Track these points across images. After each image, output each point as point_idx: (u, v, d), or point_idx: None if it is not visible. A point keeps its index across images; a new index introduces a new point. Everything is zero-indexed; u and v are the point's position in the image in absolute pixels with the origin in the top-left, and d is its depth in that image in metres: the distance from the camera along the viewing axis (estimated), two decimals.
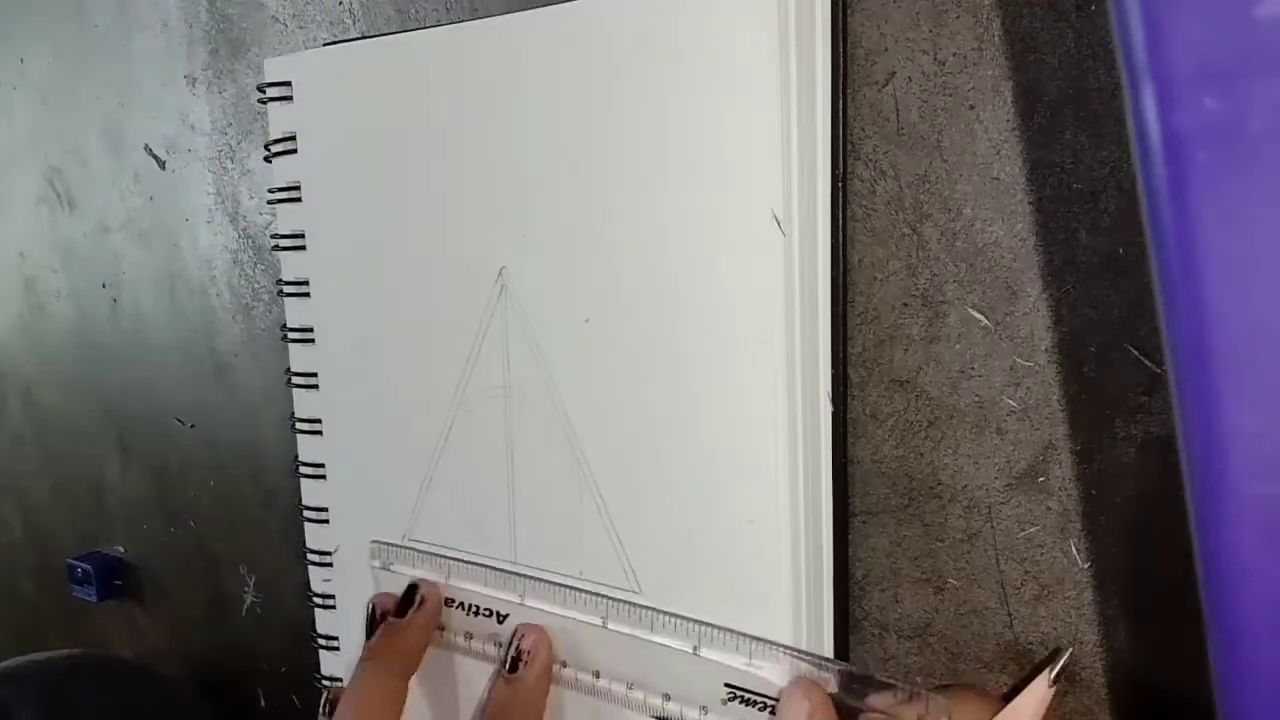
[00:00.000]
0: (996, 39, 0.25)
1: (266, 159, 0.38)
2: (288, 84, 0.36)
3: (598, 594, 0.31)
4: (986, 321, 0.27)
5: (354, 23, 0.39)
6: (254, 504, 0.48)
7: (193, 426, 0.50)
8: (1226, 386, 0.16)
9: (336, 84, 0.35)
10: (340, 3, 0.39)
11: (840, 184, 0.28)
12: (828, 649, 0.29)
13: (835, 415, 0.28)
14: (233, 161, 0.45)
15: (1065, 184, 0.25)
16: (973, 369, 0.27)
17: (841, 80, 0.27)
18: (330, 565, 0.39)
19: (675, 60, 0.28)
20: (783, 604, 0.28)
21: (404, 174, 0.34)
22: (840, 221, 0.28)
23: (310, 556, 0.39)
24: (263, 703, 0.50)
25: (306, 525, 0.39)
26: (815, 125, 0.27)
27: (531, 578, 0.33)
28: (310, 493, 0.39)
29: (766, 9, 0.25)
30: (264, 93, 0.37)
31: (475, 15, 0.35)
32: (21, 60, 0.56)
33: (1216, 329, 0.16)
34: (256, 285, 0.45)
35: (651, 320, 0.29)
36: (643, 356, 0.30)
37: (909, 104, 0.27)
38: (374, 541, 0.37)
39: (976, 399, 0.27)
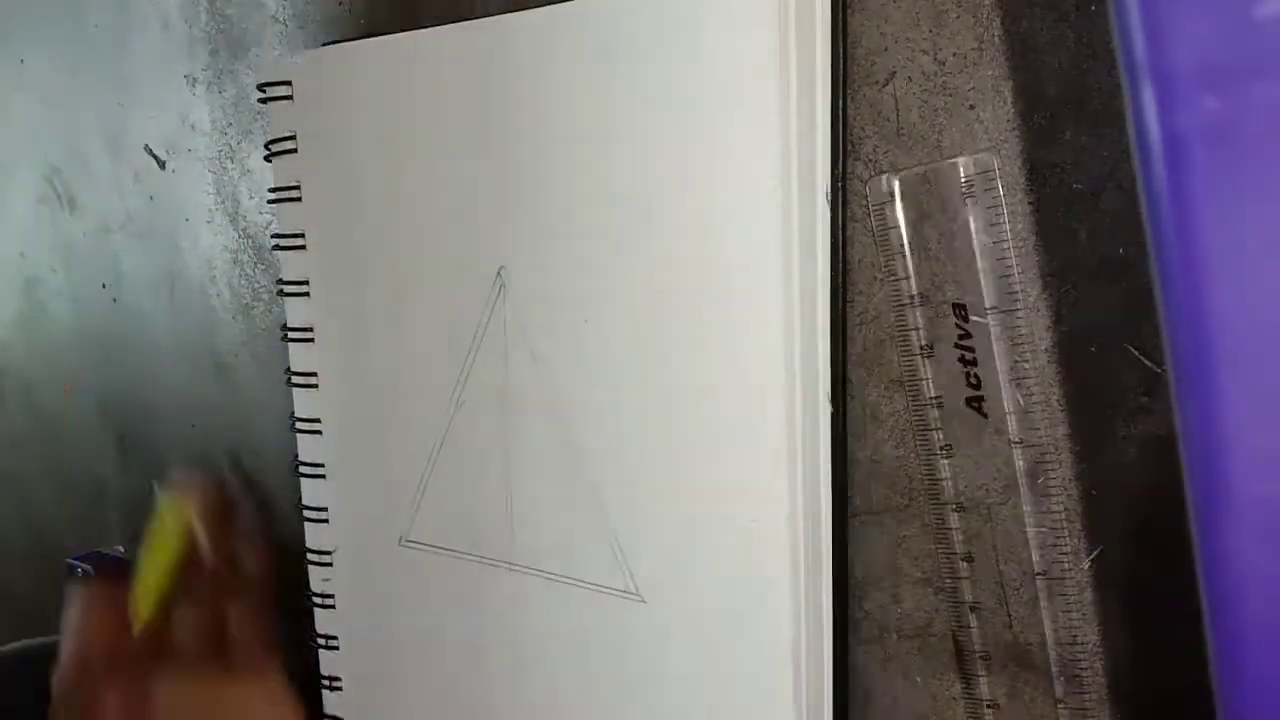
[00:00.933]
0: (996, 39, 0.25)
1: (267, 158, 0.38)
2: (288, 84, 0.36)
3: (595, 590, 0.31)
4: (987, 321, 0.27)
5: (354, 23, 0.39)
6: (254, 504, 0.48)
7: (193, 426, 0.50)
8: (1226, 386, 0.16)
9: (336, 84, 0.35)
10: (340, 3, 0.39)
11: (840, 184, 0.28)
12: (827, 649, 0.29)
13: (834, 416, 0.28)
14: (233, 161, 0.45)
15: (1065, 184, 0.25)
16: (973, 369, 0.27)
17: (842, 80, 0.27)
18: (330, 565, 0.39)
19: (675, 61, 0.28)
20: (782, 604, 0.28)
21: (404, 173, 0.34)
22: (840, 222, 0.28)
23: (310, 556, 0.39)
24: None
25: (306, 525, 0.39)
26: (815, 125, 0.27)
27: (532, 574, 0.33)
28: (310, 492, 0.39)
29: (766, 10, 0.25)
30: (264, 92, 0.37)
31: (474, 14, 0.35)
32: (21, 60, 0.56)
33: (1216, 329, 0.16)
34: (256, 285, 0.45)
35: (650, 321, 0.29)
36: (641, 357, 0.30)
37: (909, 104, 0.27)
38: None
39: (977, 399, 0.27)
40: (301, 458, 0.39)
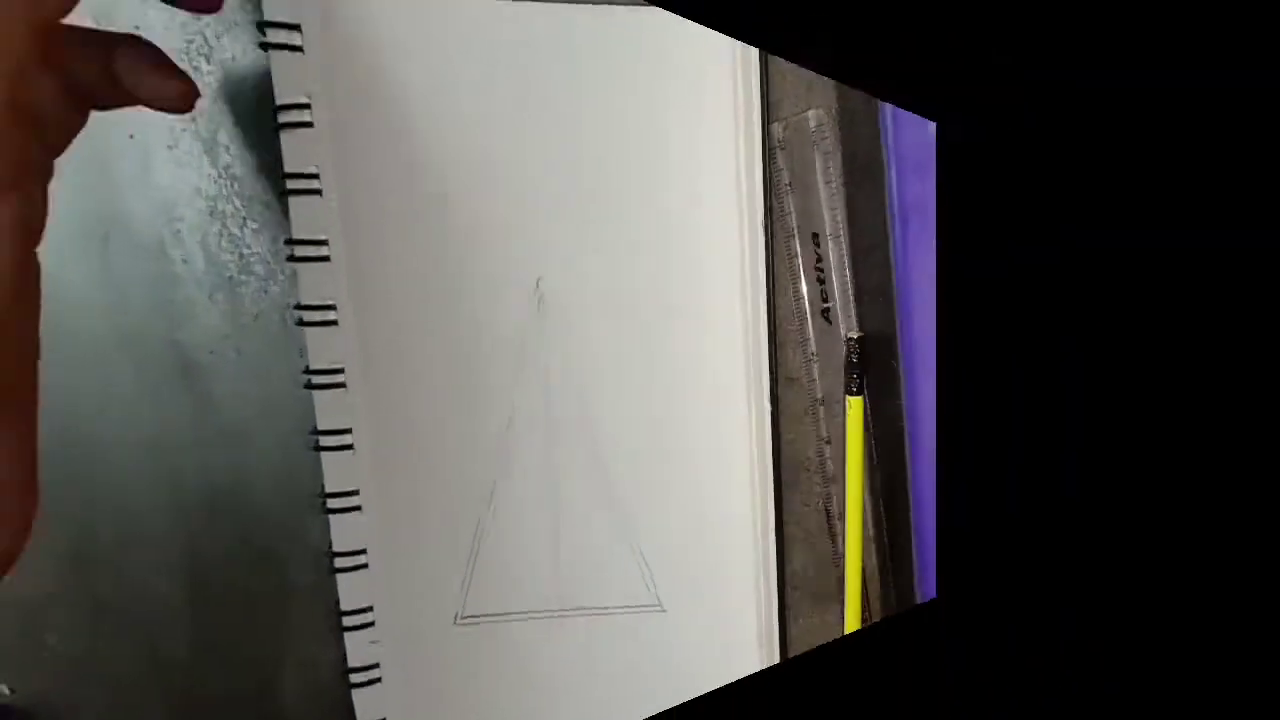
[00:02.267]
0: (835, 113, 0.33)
1: (274, 130, 0.30)
2: (297, 29, 0.29)
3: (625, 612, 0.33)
4: (827, 248, 0.33)
5: None
6: (242, 565, 0.34)
7: (147, 453, 0.33)
8: (920, 387, 0.29)
9: (360, 38, 0.29)
10: None
11: (769, 215, 0.33)
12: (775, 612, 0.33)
13: (773, 415, 0.33)
14: (209, 61, 0.31)
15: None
16: (823, 287, 0.33)
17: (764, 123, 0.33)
18: (380, 682, 0.32)
19: (653, 85, 0.32)
20: (747, 573, 0.33)
21: (440, 155, 0.31)
22: (769, 242, 0.34)
23: (353, 677, 0.32)
24: None
25: (347, 636, 0.32)
26: (754, 160, 0.32)
27: (574, 615, 0.33)
28: (348, 592, 0.31)
29: (723, 65, 0.31)
30: (264, 35, 0.29)
31: None
32: None
33: (915, 340, 0.29)
34: (245, 249, 0.32)
35: (672, 335, 0.32)
36: (642, 363, 0.32)
37: (792, 156, 0.34)
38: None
39: (826, 310, 0.34)
40: (336, 546, 0.31)
